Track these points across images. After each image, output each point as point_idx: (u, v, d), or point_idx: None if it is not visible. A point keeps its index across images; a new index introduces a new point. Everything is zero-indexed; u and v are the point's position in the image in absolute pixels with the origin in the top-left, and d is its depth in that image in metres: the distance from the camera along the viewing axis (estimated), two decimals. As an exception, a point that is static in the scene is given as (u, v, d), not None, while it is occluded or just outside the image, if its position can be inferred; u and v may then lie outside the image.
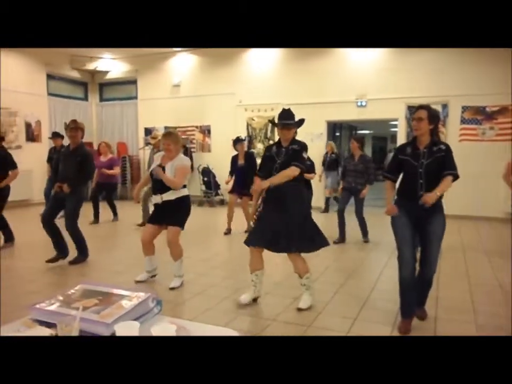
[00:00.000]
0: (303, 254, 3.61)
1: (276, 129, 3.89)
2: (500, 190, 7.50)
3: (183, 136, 10.44)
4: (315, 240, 3.57)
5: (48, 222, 4.84)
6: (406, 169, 3.15)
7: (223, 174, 7.15)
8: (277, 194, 3.49)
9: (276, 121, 3.67)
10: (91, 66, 11.66)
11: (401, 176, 3.25)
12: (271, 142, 9.42)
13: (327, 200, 9.53)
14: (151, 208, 4.45)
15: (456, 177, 3.03)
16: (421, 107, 3.11)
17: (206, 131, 11.02)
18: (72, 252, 5.06)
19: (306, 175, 5.71)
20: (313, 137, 9.44)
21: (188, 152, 10.34)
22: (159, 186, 4.12)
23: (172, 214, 4.10)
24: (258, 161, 4.66)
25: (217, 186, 10.36)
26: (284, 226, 3.46)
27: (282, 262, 4.39)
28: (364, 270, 5.04)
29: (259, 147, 10.30)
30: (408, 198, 3.10)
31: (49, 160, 8.03)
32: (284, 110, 3.63)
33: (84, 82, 12.15)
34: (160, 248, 4.45)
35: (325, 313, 3.55)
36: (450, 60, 8.48)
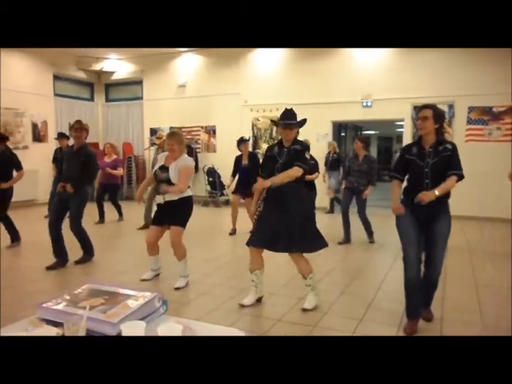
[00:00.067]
0: (306, 255, 3.61)
1: (280, 129, 3.88)
2: (507, 191, 7.45)
3: (188, 137, 10.50)
4: (315, 240, 3.57)
5: (55, 226, 4.86)
6: (412, 169, 3.13)
7: (228, 174, 7.16)
8: (278, 195, 3.48)
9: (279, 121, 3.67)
10: (97, 67, 11.73)
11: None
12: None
13: (332, 200, 9.51)
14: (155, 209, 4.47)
15: (461, 177, 3.00)
16: (426, 106, 3.09)
17: (211, 131, 11.04)
18: (78, 252, 5.08)
19: (308, 177, 5.77)
20: (318, 137, 9.45)
21: (193, 153, 10.36)
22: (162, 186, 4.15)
23: (173, 214, 4.12)
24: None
25: (223, 186, 10.37)
26: (284, 226, 3.45)
27: (286, 263, 4.39)
28: (369, 271, 5.03)
29: (264, 147, 10.30)
30: (414, 198, 3.08)
31: (55, 160, 8.09)
32: (286, 109, 3.63)
33: (90, 83, 12.21)
34: (165, 249, 4.46)
35: (330, 314, 3.55)
36: (456, 59, 8.44)
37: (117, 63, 11.90)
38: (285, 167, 3.49)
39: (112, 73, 12.07)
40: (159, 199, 4.20)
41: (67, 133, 7.77)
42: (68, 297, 1.43)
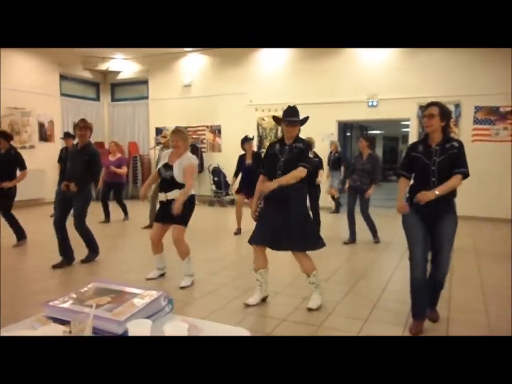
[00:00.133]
0: (311, 255, 3.60)
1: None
2: (508, 191, 7.42)
3: (193, 136, 10.52)
4: (316, 239, 3.57)
5: (60, 225, 4.89)
6: (418, 167, 3.09)
7: (233, 173, 7.16)
8: (279, 194, 3.46)
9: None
10: (103, 66, 11.77)
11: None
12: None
13: (337, 200, 9.49)
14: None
15: (466, 175, 2.97)
16: (432, 104, 3.07)
17: (216, 131, 11.05)
18: (84, 251, 5.11)
19: (318, 180, 5.96)
20: (324, 137, 9.43)
21: (198, 152, 10.37)
22: (165, 184, 4.16)
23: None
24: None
25: (228, 186, 10.38)
26: (285, 226, 3.45)
27: (290, 262, 4.38)
28: (375, 271, 5.01)
29: (269, 147, 10.29)
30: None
31: (60, 160, 8.13)
32: (289, 107, 3.61)
33: (96, 83, 12.27)
34: (169, 247, 4.47)
35: (335, 314, 3.54)
36: (462, 59, 8.39)
37: (122, 63, 11.94)
38: (287, 164, 3.47)
39: (118, 73, 12.11)
40: (162, 196, 4.21)
41: (73, 133, 7.81)
42: (74, 296, 1.43)
